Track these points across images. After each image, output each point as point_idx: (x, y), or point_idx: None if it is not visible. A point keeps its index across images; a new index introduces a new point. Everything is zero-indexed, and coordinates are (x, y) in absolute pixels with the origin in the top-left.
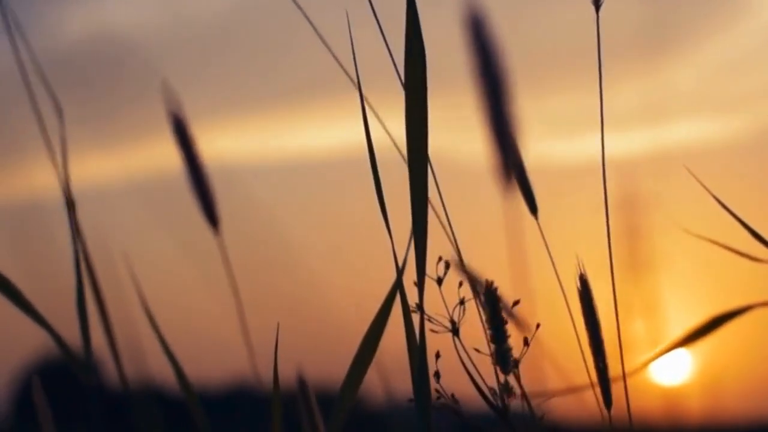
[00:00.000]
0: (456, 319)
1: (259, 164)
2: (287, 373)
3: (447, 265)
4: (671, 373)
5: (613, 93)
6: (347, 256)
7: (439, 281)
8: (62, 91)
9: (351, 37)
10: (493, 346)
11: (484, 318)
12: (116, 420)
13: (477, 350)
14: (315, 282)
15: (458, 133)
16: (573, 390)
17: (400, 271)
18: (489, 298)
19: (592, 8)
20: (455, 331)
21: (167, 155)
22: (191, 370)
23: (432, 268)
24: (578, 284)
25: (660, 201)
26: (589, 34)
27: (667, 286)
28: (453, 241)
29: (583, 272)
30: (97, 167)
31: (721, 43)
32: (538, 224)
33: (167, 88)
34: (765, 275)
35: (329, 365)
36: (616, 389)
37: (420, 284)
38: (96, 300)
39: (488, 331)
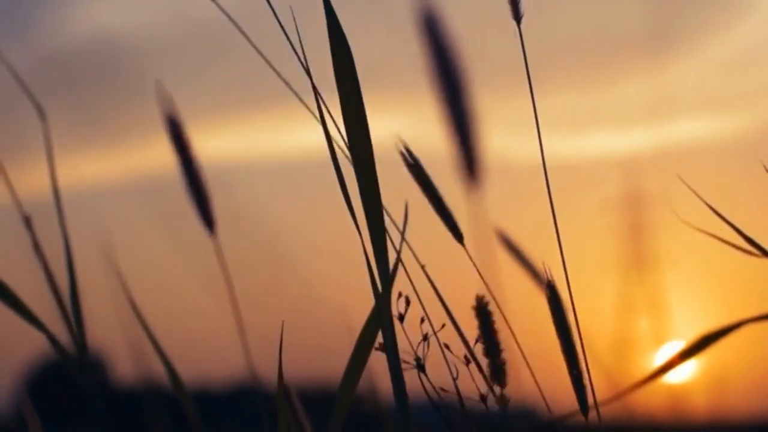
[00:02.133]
0: (421, 355)
1: (255, 164)
2: (288, 372)
3: (407, 301)
4: (676, 371)
5: (617, 91)
6: (343, 255)
7: (401, 318)
8: (61, 91)
9: (300, 38)
10: (486, 359)
11: (477, 332)
12: (121, 419)
13: (444, 390)
14: (312, 281)
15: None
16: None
17: (379, 295)
18: (481, 313)
19: (605, 10)
20: (421, 368)
21: (165, 156)
22: (197, 370)
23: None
24: (547, 292)
25: (663, 198)
26: (589, 33)
27: (671, 284)
28: (422, 261)
29: (551, 279)
30: (94, 168)
31: (724, 41)
32: (467, 251)
33: (161, 90)
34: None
35: (330, 364)
36: (618, 387)
37: (386, 298)
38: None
39: (482, 345)
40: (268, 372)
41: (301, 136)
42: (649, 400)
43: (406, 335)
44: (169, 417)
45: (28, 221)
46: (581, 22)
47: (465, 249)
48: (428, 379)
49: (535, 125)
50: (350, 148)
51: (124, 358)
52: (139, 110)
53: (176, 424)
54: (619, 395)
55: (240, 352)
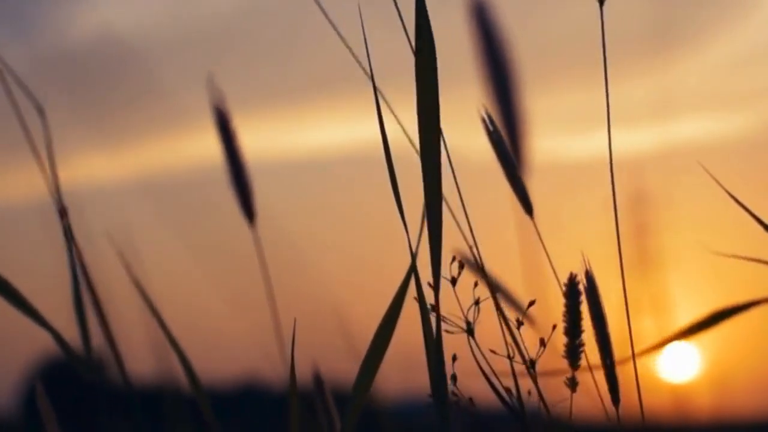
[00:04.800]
0: (471, 319)
1: (270, 162)
2: (299, 371)
3: (461, 265)
4: (680, 370)
5: (621, 90)
6: (359, 254)
7: (453, 282)
8: (68, 90)
9: (364, 31)
10: (565, 339)
11: (563, 310)
12: (125, 418)
13: (493, 351)
14: (327, 279)
15: (472, 128)
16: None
17: (413, 265)
18: (571, 291)
19: (597, 4)
20: (470, 331)
21: (172, 153)
22: (201, 368)
23: (445, 268)
24: (584, 282)
25: (669, 198)
26: (595, 31)
27: (676, 284)
28: (471, 240)
29: (588, 269)
30: (101, 166)
31: (728, 40)
32: (534, 225)
33: (211, 81)
34: None
35: (342, 362)
36: (625, 386)
37: (436, 281)
38: (93, 301)
39: (564, 324)
40: (275, 371)
41: (309, 134)
42: (654, 400)
43: (459, 302)
44: (187, 416)
45: (63, 212)
46: (584, 21)
47: (533, 222)
48: (477, 345)
49: (596, 120)
50: (421, 141)
51: (140, 356)
52: (147, 109)
53: (193, 422)
54: (641, 354)
55: (250, 350)
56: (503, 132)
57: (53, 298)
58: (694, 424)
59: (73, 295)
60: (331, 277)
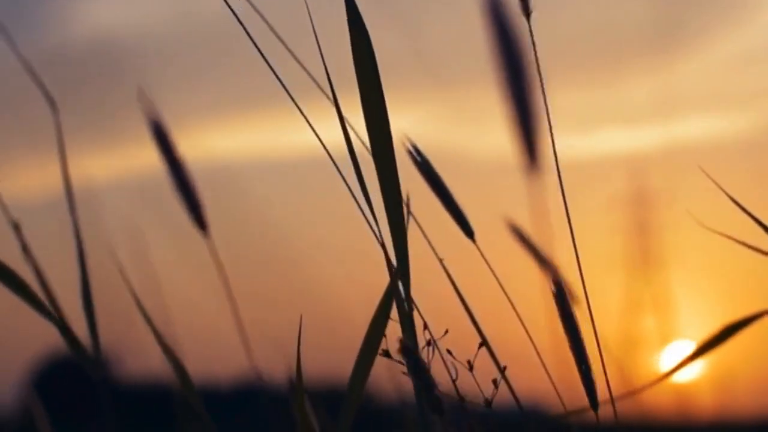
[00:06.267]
0: (426, 360)
1: (258, 162)
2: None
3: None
4: (682, 370)
5: (624, 89)
6: (346, 252)
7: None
8: (64, 90)
9: (315, 34)
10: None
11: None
12: (129, 415)
13: (441, 392)
14: (315, 277)
15: (472, 128)
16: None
17: (395, 272)
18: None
19: (587, 5)
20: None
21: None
22: (203, 368)
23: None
24: (553, 289)
25: (671, 197)
26: (596, 31)
27: (677, 282)
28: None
29: (557, 275)
30: (96, 166)
31: (732, 39)
32: (478, 247)
33: (143, 95)
34: None
35: (335, 362)
36: (625, 385)
37: (406, 291)
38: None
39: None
40: (271, 370)
41: (307, 134)
42: (656, 399)
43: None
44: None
45: (17, 227)
46: (588, 20)
47: (476, 245)
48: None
49: (547, 123)
50: (371, 142)
51: (149, 355)
52: (140, 109)
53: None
54: (634, 391)
55: (241, 350)
56: (518, 131)
57: (63, 297)
58: (695, 423)
59: (82, 290)
60: (328, 275)
